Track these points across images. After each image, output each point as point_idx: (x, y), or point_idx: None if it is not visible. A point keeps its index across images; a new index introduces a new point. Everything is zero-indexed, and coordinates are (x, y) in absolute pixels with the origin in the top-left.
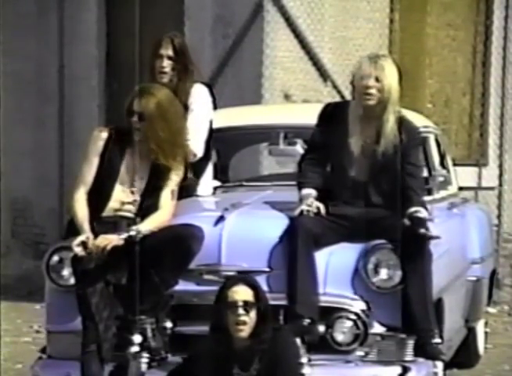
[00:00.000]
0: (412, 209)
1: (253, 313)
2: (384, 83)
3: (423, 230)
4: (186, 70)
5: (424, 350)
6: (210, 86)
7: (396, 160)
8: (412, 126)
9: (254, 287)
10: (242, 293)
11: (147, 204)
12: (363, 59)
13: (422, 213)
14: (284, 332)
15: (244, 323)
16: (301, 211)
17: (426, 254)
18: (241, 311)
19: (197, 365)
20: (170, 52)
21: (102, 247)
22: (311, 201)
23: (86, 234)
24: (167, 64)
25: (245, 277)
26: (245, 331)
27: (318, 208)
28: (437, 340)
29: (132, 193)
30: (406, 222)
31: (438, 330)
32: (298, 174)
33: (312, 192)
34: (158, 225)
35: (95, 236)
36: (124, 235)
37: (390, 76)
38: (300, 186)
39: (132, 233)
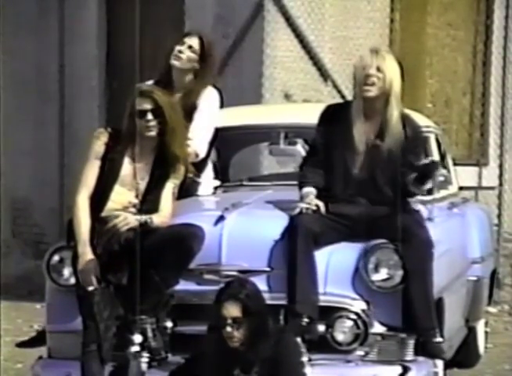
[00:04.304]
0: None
1: (242, 329)
2: (386, 73)
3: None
4: (206, 73)
5: (426, 349)
6: (220, 92)
7: (400, 156)
8: (415, 124)
9: (245, 304)
10: (230, 310)
11: (148, 205)
12: (365, 52)
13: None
14: (286, 334)
15: (234, 337)
16: (301, 210)
17: (427, 254)
18: (229, 329)
19: (199, 366)
20: (196, 46)
21: (120, 227)
22: (310, 199)
23: (93, 275)
24: (188, 54)
25: (236, 293)
26: (236, 342)
27: (317, 206)
28: (438, 339)
29: (136, 195)
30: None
31: (438, 329)
32: (300, 175)
33: (312, 190)
34: (161, 224)
35: (96, 236)
36: (139, 218)
37: (391, 67)
38: (301, 186)
39: (147, 218)
